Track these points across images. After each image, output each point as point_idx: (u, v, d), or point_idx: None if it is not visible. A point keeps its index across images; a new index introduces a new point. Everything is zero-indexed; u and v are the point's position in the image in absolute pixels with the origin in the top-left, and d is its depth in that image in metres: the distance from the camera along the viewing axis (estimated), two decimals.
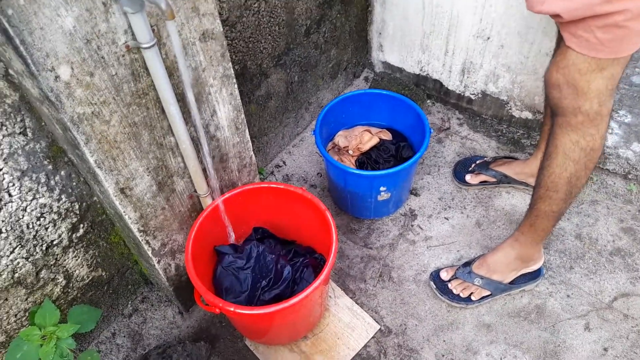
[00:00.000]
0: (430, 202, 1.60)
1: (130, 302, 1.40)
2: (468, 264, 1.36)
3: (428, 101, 1.91)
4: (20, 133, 0.88)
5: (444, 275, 1.37)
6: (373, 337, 1.31)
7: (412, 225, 1.55)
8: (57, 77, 0.74)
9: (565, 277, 1.37)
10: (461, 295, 1.32)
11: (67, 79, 0.76)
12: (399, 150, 1.53)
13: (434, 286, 1.36)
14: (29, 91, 0.82)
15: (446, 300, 1.34)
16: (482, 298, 1.32)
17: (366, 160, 1.53)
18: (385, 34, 1.87)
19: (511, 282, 1.32)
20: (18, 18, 0.66)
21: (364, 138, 1.54)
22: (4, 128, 0.85)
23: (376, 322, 1.33)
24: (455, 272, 1.35)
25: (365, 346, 1.30)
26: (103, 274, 1.24)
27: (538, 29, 1.44)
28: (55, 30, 0.71)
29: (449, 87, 1.81)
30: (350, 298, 1.39)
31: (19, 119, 0.87)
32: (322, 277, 1.03)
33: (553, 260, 1.41)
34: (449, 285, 1.35)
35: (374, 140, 1.53)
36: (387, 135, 1.58)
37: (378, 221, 1.57)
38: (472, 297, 1.32)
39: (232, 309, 1.00)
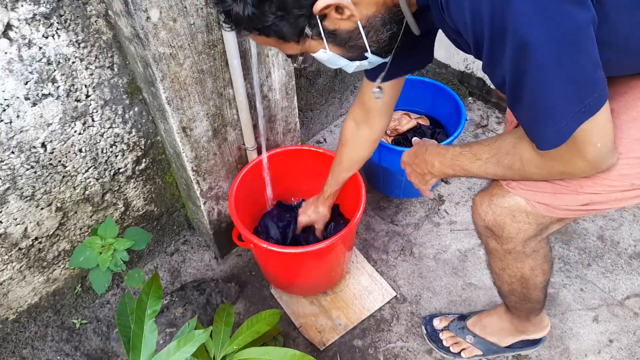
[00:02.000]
0: (459, 190, 1.68)
1: (173, 242, 1.56)
2: (463, 318, 1.29)
3: (470, 98, 1.98)
4: (108, 67, 1.04)
5: (437, 324, 1.31)
6: (388, 303, 1.40)
7: (438, 209, 1.63)
8: (148, 18, 0.89)
9: (582, 273, 1.42)
10: (451, 349, 1.26)
11: (156, 21, 0.91)
12: (434, 136, 1.62)
13: (425, 331, 1.31)
14: (121, 30, 0.98)
15: (434, 348, 1.28)
16: (474, 356, 1.25)
17: (402, 140, 1.62)
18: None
19: (508, 346, 1.23)
20: None
21: (403, 121, 1.64)
22: (97, 60, 1.01)
23: (393, 289, 1.43)
24: (449, 324, 1.29)
25: (380, 309, 1.39)
26: (155, 209, 1.40)
27: None
28: None
29: (492, 87, 1.88)
30: (372, 266, 1.49)
31: (109, 55, 1.03)
32: (345, 230, 1.14)
33: (572, 256, 1.46)
34: (440, 334, 1.28)
35: (412, 124, 1.63)
36: (425, 121, 1.67)
37: (406, 202, 1.66)
38: (463, 354, 1.25)
39: (264, 246, 1.13)
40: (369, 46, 0.73)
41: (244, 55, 1.11)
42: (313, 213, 1.34)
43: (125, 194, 1.28)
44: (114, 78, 1.07)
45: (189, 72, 1.03)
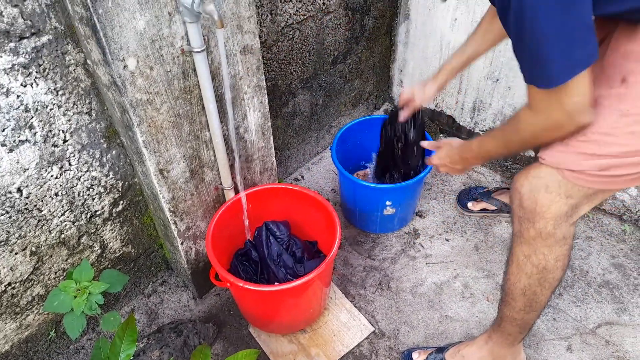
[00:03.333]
0: (433, 224, 1.72)
1: (151, 284, 1.55)
2: (441, 350, 1.30)
3: (441, 135, 2.06)
4: (86, 113, 1.07)
5: (415, 357, 1.32)
6: (367, 338, 1.41)
7: (414, 243, 1.66)
8: (125, 67, 0.93)
9: (554, 302, 1.46)
10: None
11: (133, 69, 0.95)
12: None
13: None
14: (99, 78, 1.02)
15: None
16: None
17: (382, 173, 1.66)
18: (405, 71, 2.06)
19: None
20: (105, 17, 0.85)
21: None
22: (75, 107, 1.04)
23: (371, 324, 1.44)
24: (427, 357, 1.30)
25: (359, 345, 1.40)
26: (132, 251, 1.40)
27: None
28: (130, 29, 0.90)
29: (461, 123, 1.97)
30: (350, 301, 1.50)
31: (87, 101, 1.06)
32: (321, 267, 1.16)
33: None
34: None
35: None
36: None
37: (383, 236, 1.69)
38: None
39: (240, 284, 1.14)
40: None
41: (220, 100, 1.15)
42: (418, 87, 1.37)
43: (101, 237, 1.28)
44: (92, 123, 1.09)
45: (166, 116, 1.07)
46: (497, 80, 1.73)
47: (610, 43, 0.90)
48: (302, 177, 1.93)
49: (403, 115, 1.42)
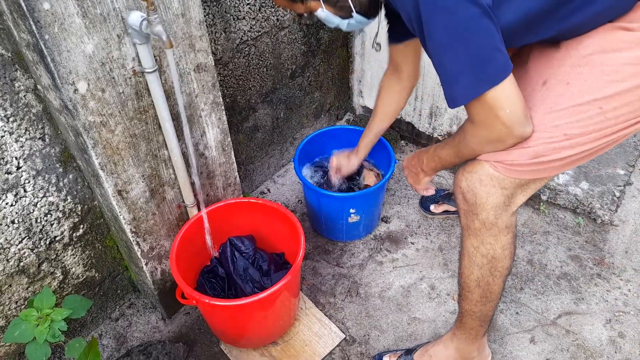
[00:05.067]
0: (398, 229, 1.76)
1: (118, 307, 1.53)
2: (410, 351, 1.32)
3: (402, 142, 2.11)
4: (40, 138, 1.07)
5: None
6: (338, 346, 1.42)
7: (380, 248, 1.70)
8: (76, 90, 0.94)
9: (516, 297, 1.51)
10: None
11: (84, 93, 0.95)
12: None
13: None
14: (51, 103, 1.02)
15: None
16: None
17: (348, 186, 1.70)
18: (364, 81, 2.11)
19: None
20: (52, 42, 0.86)
21: (368, 177, 1.72)
22: (27, 132, 1.04)
23: (342, 332, 1.45)
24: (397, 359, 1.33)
25: (331, 353, 1.41)
26: (96, 275, 1.38)
27: None
28: (79, 53, 0.91)
29: (420, 129, 2.02)
30: (320, 310, 1.51)
31: (40, 126, 1.05)
32: (287, 277, 1.18)
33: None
34: None
35: (372, 180, 1.70)
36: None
37: (350, 244, 1.72)
38: None
39: (206, 301, 1.14)
40: (354, 7, 0.99)
41: (177, 118, 1.16)
42: (343, 159, 1.58)
43: (63, 262, 1.26)
44: (46, 148, 1.09)
45: (121, 137, 1.07)
46: None
47: (532, 50, 0.99)
48: (268, 190, 1.94)
49: (334, 181, 1.66)
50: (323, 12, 1.01)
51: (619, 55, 0.86)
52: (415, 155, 1.28)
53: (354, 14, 1.00)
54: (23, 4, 0.79)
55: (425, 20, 0.81)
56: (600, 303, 1.48)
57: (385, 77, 1.42)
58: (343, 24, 1.05)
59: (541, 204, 1.79)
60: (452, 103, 0.89)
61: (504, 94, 0.85)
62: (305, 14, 1.03)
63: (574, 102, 0.90)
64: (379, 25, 1.12)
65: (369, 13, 1.03)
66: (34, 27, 0.83)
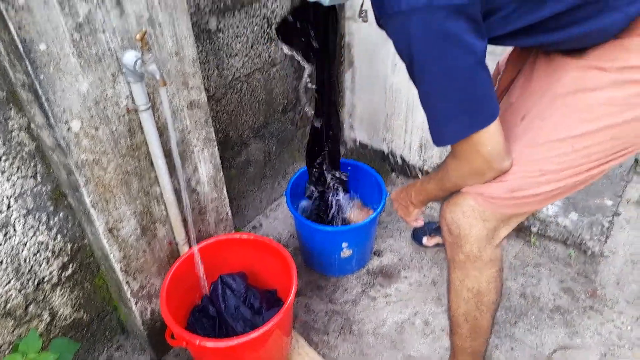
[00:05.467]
0: (391, 262, 1.75)
1: (106, 349, 1.48)
2: None
3: (393, 174, 2.13)
4: (32, 177, 1.06)
5: None
6: None
7: (373, 283, 1.68)
8: (69, 129, 0.94)
9: (510, 331, 1.49)
10: None
11: (77, 131, 0.95)
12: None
13: None
14: (43, 141, 1.01)
15: None
16: None
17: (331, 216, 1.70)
18: (355, 115, 2.14)
19: None
20: (47, 82, 0.86)
21: (357, 214, 1.73)
22: (19, 171, 1.03)
23: None
24: None
25: None
26: (84, 316, 1.34)
27: None
28: (73, 92, 0.91)
29: (410, 162, 2.04)
30: (314, 349, 1.48)
31: (32, 165, 1.05)
32: (279, 315, 1.15)
33: (499, 316, 1.53)
34: None
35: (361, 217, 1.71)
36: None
37: (343, 278, 1.70)
38: None
39: (197, 342, 1.11)
40: None
41: (169, 154, 1.16)
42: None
43: (50, 304, 1.23)
44: (38, 186, 1.08)
45: (114, 174, 1.07)
46: None
47: (516, 85, 1.02)
48: (260, 224, 1.93)
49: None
50: None
51: (593, 95, 0.88)
52: (404, 189, 1.29)
53: None
54: (20, 46, 0.80)
55: (419, 64, 0.83)
56: (595, 336, 1.47)
57: None
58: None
59: (532, 236, 1.80)
60: (438, 143, 0.92)
61: (488, 133, 0.88)
62: None
63: (549, 139, 0.92)
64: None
65: None
66: (29, 68, 0.84)
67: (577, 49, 0.90)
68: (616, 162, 0.93)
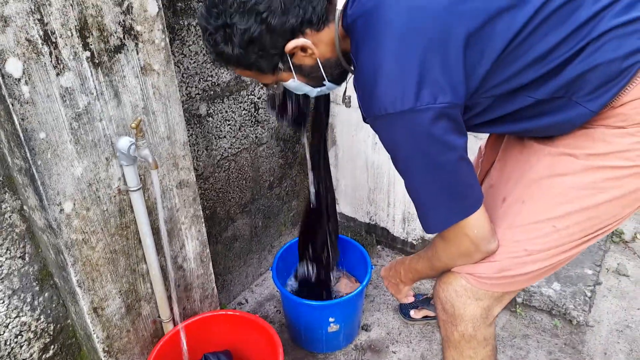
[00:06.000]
0: (379, 337, 1.73)
1: None
2: None
3: (378, 247, 2.16)
4: (20, 257, 1.08)
5: None
6: None
7: (362, 359, 1.65)
8: (61, 210, 0.98)
9: None
10: None
11: (69, 212, 0.99)
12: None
13: None
14: (35, 222, 1.05)
15: None
16: None
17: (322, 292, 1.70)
18: (339, 190, 2.21)
19: None
20: (43, 167, 0.92)
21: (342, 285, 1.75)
22: (8, 252, 1.05)
23: None
24: None
25: None
26: None
27: None
28: (68, 175, 0.97)
29: (395, 234, 2.09)
30: None
31: (21, 245, 1.07)
32: None
33: None
34: None
35: (348, 289, 1.73)
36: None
37: (331, 355, 1.67)
38: None
39: None
40: (326, 77, 0.99)
41: (157, 232, 1.20)
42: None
43: None
44: (25, 267, 1.09)
45: (102, 253, 1.09)
46: None
47: (495, 168, 1.10)
48: (246, 300, 1.92)
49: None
50: (294, 83, 1.00)
51: (565, 180, 0.94)
52: (393, 267, 1.32)
53: (326, 82, 1.01)
54: (21, 135, 0.86)
55: (403, 161, 0.88)
56: None
57: None
58: (313, 92, 1.05)
59: (517, 306, 1.81)
60: (427, 230, 0.96)
61: (474, 219, 0.92)
62: (274, 84, 1.02)
63: (530, 220, 0.97)
64: (347, 82, 1.08)
65: (339, 80, 1.05)
66: (28, 155, 0.89)
67: (548, 136, 0.98)
68: (597, 238, 0.98)
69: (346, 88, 1.18)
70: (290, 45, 0.89)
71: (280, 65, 0.94)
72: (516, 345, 1.67)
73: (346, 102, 1.24)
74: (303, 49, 0.92)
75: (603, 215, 0.94)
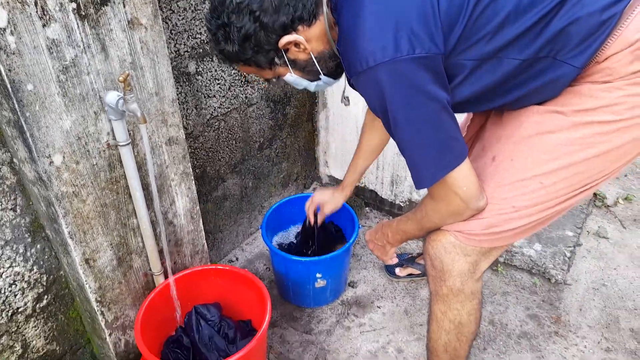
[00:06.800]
0: (365, 293, 1.80)
1: None
2: None
3: (366, 209, 2.21)
4: (11, 209, 1.10)
5: None
6: None
7: (348, 313, 1.72)
8: (51, 163, 0.99)
9: (480, 358, 1.54)
10: None
11: (59, 165, 1.01)
12: (338, 236, 1.78)
13: None
14: (25, 175, 1.06)
15: None
16: None
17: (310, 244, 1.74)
18: (329, 153, 2.23)
19: None
20: (32, 119, 0.93)
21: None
22: (0, 204, 1.07)
23: None
24: None
25: None
26: (57, 348, 1.35)
27: None
28: (57, 128, 0.98)
29: (383, 196, 2.13)
30: None
31: (12, 197, 1.09)
32: (252, 343, 1.19)
33: None
34: None
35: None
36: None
37: (318, 309, 1.74)
38: None
39: None
40: (321, 70, 1.02)
41: (147, 188, 1.22)
42: (328, 196, 1.56)
43: (24, 335, 1.24)
44: (17, 218, 1.12)
45: (92, 207, 1.12)
46: None
47: (486, 129, 1.12)
48: (237, 258, 1.97)
49: (313, 220, 1.66)
50: (291, 77, 1.03)
51: (553, 137, 0.97)
52: (379, 230, 1.35)
53: (322, 76, 1.04)
54: (9, 86, 0.87)
55: (391, 113, 0.90)
56: None
57: (368, 115, 1.44)
58: (311, 86, 1.08)
59: (499, 265, 1.87)
60: (418, 185, 0.98)
61: (461, 175, 0.95)
62: (274, 79, 1.06)
63: (518, 178, 1.00)
64: (346, 81, 1.11)
65: (336, 74, 1.07)
66: (16, 106, 0.90)
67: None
68: (584, 194, 1.01)
69: (345, 88, 1.21)
70: (283, 41, 0.93)
71: (277, 60, 0.98)
72: (496, 301, 1.74)
73: (344, 101, 1.26)
74: (296, 44, 0.95)
75: (591, 171, 0.97)
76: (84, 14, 0.96)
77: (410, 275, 1.82)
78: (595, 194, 2.23)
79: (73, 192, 1.06)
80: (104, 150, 1.09)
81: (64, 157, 1.01)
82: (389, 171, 2.03)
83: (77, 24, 0.95)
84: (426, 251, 1.12)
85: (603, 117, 0.91)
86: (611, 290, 1.77)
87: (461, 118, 1.27)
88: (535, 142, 0.99)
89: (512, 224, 1.02)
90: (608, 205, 2.20)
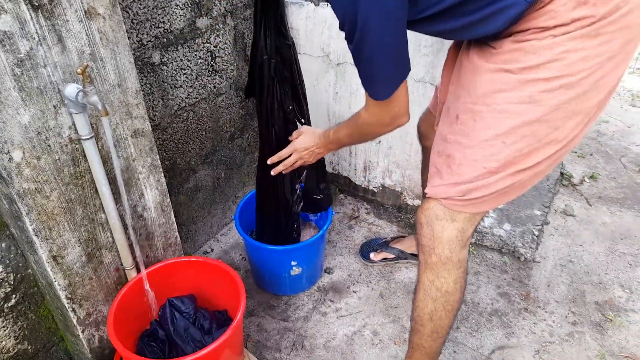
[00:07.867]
0: (340, 279, 1.82)
1: None
2: None
3: (341, 195, 2.22)
4: None
5: None
6: None
7: (324, 299, 1.74)
8: (10, 159, 0.97)
9: (453, 336, 1.58)
10: None
11: (19, 161, 0.98)
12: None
13: None
14: None
15: None
16: None
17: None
18: None
19: None
20: None
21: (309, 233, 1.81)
22: None
23: None
24: None
25: None
26: (29, 347, 1.33)
27: (414, 133, 1.83)
28: (14, 124, 0.95)
29: (356, 182, 2.14)
30: None
31: None
32: (227, 333, 1.19)
33: None
34: None
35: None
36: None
37: (294, 297, 1.75)
38: None
39: None
40: None
41: (114, 182, 1.20)
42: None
43: None
44: None
45: (57, 202, 1.09)
46: (379, 141, 1.94)
47: (450, 86, 1.13)
48: (212, 249, 1.96)
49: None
50: None
51: (504, 96, 0.97)
52: (315, 144, 1.42)
53: None
54: None
55: (361, 23, 0.90)
56: (529, 335, 1.58)
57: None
58: None
59: (470, 246, 1.92)
60: (375, 97, 1.05)
61: (398, 96, 1.03)
62: None
63: (482, 138, 1.01)
64: None
65: None
66: None
67: (489, 42, 1.00)
68: (551, 159, 1.01)
69: None
70: None
71: None
72: (468, 281, 1.76)
73: (315, 0, 1.28)
74: None
75: (546, 129, 0.97)
76: (37, 4, 0.93)
77: (384, 259, 1.85)
78: (562, 173, 2.29)
79: (35, 188, 1.04)
80: (66, 145, 1.07)
81: (24, 152, 0.99)
82: (362, 157, 2.05)
83: (31, 15, 0.92)
84: (418, 220, 1.16)
85: (546, 74, 0.92)
86: (577, 266, 1.84)
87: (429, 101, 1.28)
88: (490, 101, 1.00)
89: (490, 189, 1.04)
90: (574, 184, 2.27)
